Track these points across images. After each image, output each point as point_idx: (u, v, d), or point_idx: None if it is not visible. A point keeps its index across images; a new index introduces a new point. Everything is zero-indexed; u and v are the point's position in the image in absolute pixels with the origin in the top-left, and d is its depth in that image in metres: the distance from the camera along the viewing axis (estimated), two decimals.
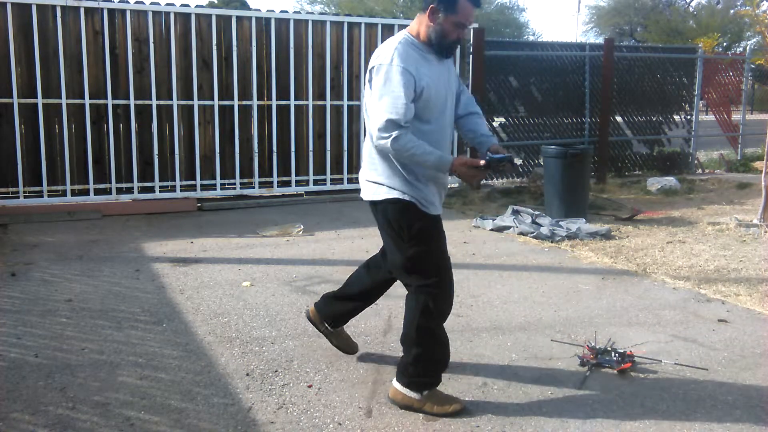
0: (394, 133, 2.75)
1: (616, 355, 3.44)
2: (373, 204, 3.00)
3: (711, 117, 12.57)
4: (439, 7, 2.80)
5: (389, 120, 2.75)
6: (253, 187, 8.04)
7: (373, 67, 2.85)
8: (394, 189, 2.90)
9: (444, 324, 3.06)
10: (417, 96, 2.80)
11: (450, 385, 3.19)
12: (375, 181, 2.96)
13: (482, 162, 2.83)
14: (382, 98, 2.78)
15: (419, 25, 2.88)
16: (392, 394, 3.02)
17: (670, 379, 3.30)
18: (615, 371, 3.35)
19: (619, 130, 10.65)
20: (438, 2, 2.80)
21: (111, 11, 7.13)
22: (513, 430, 2.81)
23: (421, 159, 2.80)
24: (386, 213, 2.94)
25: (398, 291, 4.67)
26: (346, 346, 3.48)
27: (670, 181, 9.50)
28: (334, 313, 3.41)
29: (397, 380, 3.01)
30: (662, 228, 6.86)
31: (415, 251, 2.92)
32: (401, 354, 3.04)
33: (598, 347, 3.53)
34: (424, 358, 2.95)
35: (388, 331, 3.90)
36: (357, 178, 8.51)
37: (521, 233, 6.53)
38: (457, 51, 8.89)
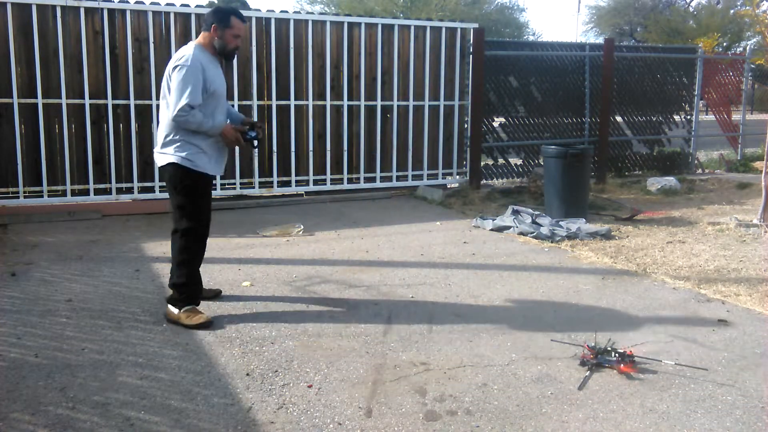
0: (192, 111, 3.78)
1: (616, 355, 3.44)
2: (162, 168, 3.99)
3: (711, 117, 12.57)
4: (219, 25, 3.92)
5: (187, 103, 3.76)
6: (253, 187, 8.04)
7: (176, 66, 3.80)
8: (176, 155, 3.88)
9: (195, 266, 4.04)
10: (206, 90, 3.83)
11: (450, 384, 3.19)
12: (164, 152, 3.92)
13: (242, 133, 4.04)
14: (186, 87, 3.76)
15: (204, 39, 3.96)
16: (167, 313, 3.99)
17: (670, 379, 3.30)
18: (615, 371, 3.36)
19: (619, 130, 10.65)
20: (218, 22, 3.91)
21: (111, 11, 7.13)
22: (513, 430, 2.81)
23: (205, 127, 3.86)
24: (168, 173, 3.94)
25: (398, 291, 4.70)
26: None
27: (670, 181, 9.49)
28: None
29: (167, 301, 4.02)
30: (662, 228, 6.86)
31: (182, 201, 3.95)
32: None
33: (598, 347, 3.53)
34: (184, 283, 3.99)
35: (388, 331, 3.90)
36: (357, 178, 8.70)
37: (521, 233, 6.53)
38: (457, 51, 8.98)
